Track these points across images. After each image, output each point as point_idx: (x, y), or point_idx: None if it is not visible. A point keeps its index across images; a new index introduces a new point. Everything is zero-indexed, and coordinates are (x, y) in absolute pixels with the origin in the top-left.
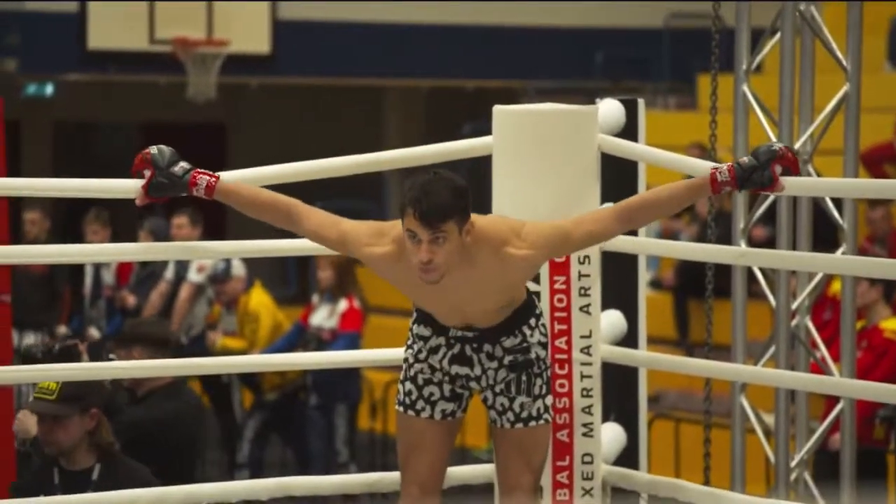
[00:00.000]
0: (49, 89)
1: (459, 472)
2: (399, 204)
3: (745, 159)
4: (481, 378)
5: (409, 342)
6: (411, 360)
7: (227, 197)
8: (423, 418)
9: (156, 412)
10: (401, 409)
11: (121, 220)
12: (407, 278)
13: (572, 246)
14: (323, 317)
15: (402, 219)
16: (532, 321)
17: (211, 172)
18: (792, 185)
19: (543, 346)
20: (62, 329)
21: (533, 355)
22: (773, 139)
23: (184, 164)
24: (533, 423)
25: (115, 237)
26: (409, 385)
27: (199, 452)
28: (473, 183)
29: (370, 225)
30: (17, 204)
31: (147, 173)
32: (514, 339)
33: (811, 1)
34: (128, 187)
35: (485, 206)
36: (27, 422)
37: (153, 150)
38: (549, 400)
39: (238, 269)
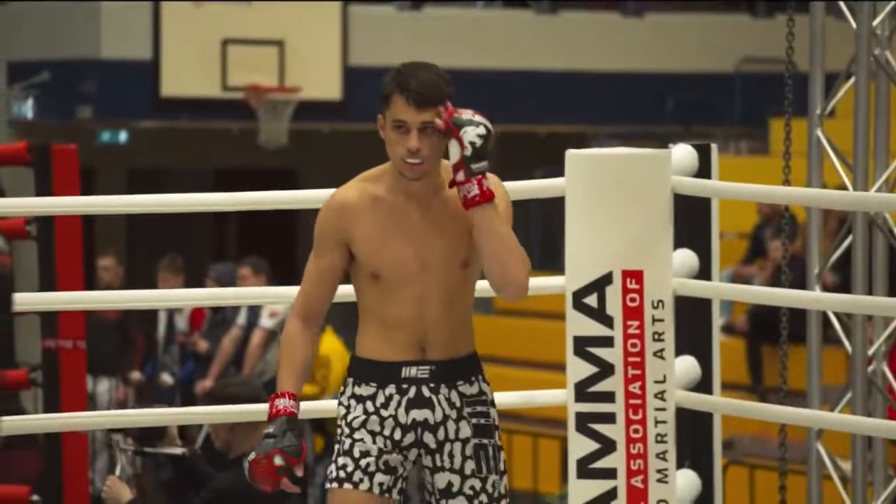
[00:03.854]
0: (123, 136)
1: None
2: (382, 94)
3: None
4: (439, 428)
5: (345, 412)
6: (347, 431)
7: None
8: (361, 491)
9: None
10: (335, 485)
11: (194, 266)
12: (375, 221)
13: (504, 218)
14: None
15: (385, 111)
16: (483, 376)
17: (279, 395)
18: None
19: (495, 408)
20: (136, 375)
21: (492, 420)
22: (848, 184)
23: (281, 426)
24: (504, 503)
25: (189, 283)
26: (343, 459)
27: None
28: (546, 225)
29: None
30: (91, 250)
31: (295, 474)
32: (470, 388)
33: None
34: (196, 201)
35: (558, 248)
36: (117, 489)
37: (277, 460)
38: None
39: None
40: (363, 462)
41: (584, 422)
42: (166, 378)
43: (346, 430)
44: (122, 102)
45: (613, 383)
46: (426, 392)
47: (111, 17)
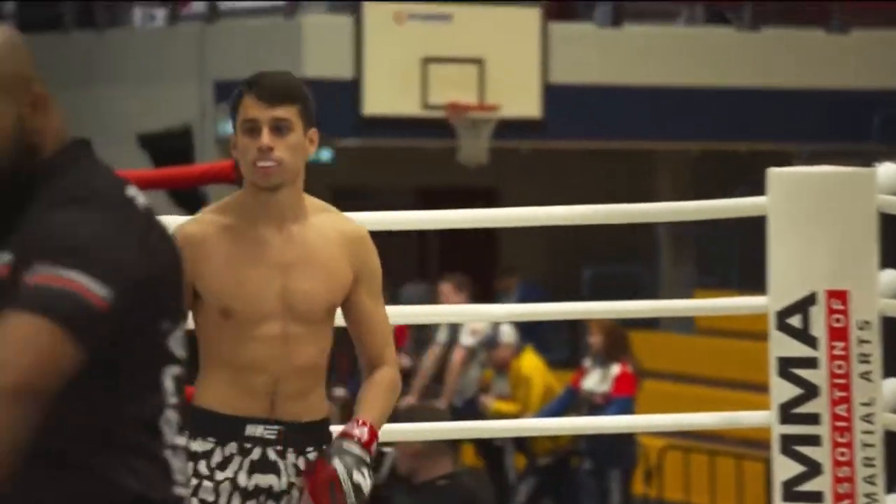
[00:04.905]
0: (326, 155)
1: None
2: (231, 106)
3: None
4: (282, 497)
5: None
6: None
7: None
8: None
9: None
10: None
11: (395, 284)
12: (225, 251)
13: (370, 301)
14: (595, 381)
15: (235, 116)
16: None
17: (361, 422)
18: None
19: None
20: (340, 391)
21: None
22: None
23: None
24: None
25: (391, 301)
26: None
27: None
28: (746, 244)
29: None
30: None
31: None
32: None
33: None
34: (398, 219)
35: (759, 267)
36: None
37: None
38: None
39: (507, 334)
40: None
41: (788, 444)
42: None
43: None
44: (325, 121)
45: (818, 405)
46: (272, 455)
47: (313, 37)
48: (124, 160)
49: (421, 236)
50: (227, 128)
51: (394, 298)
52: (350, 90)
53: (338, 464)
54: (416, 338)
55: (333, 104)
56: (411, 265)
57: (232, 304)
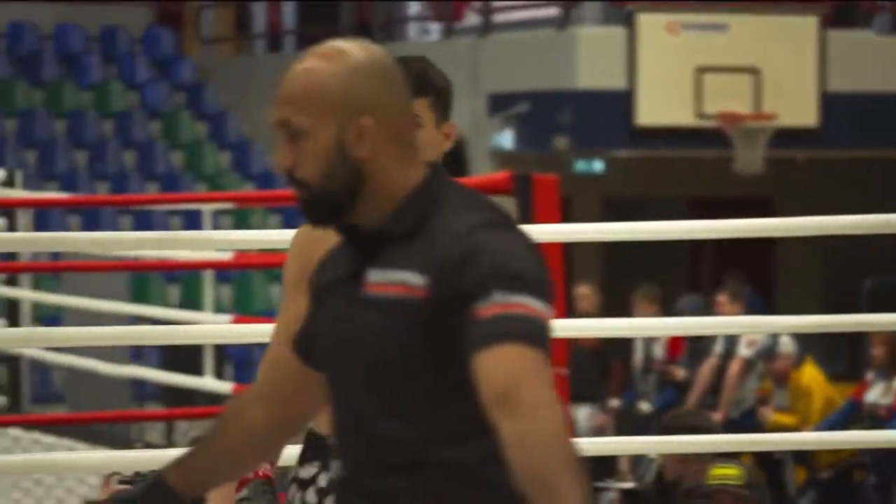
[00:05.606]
0: (598, 166)
1: None
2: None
3: None
4: None
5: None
6: None
7: None
8: None
9: None
10: None
11: (669, 295)
12: None
13: None
14: (878, 393)
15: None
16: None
17: None
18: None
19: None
20: (614, 402)
21: None
22: None
23: (253, 489)
24: None
25: (664, 312)
26: None
27: None
28: None
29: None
30: (569, 279)
31: None
32: None
33: None
34: (673, 229)
35: None
36: None
37: None
38: None
39: (786, 345)
40: None
41: None
42: (644, 406)
43: None
44: (598, 132)
45: None
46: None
47: (587, 48)
48: None
49: (694, 247)
50: (501, 140)
51: (668, 310)
52: (623, 101)
53: None
54: (691, 349)
55: (607, 115)
56: (684, 276)
57: None
